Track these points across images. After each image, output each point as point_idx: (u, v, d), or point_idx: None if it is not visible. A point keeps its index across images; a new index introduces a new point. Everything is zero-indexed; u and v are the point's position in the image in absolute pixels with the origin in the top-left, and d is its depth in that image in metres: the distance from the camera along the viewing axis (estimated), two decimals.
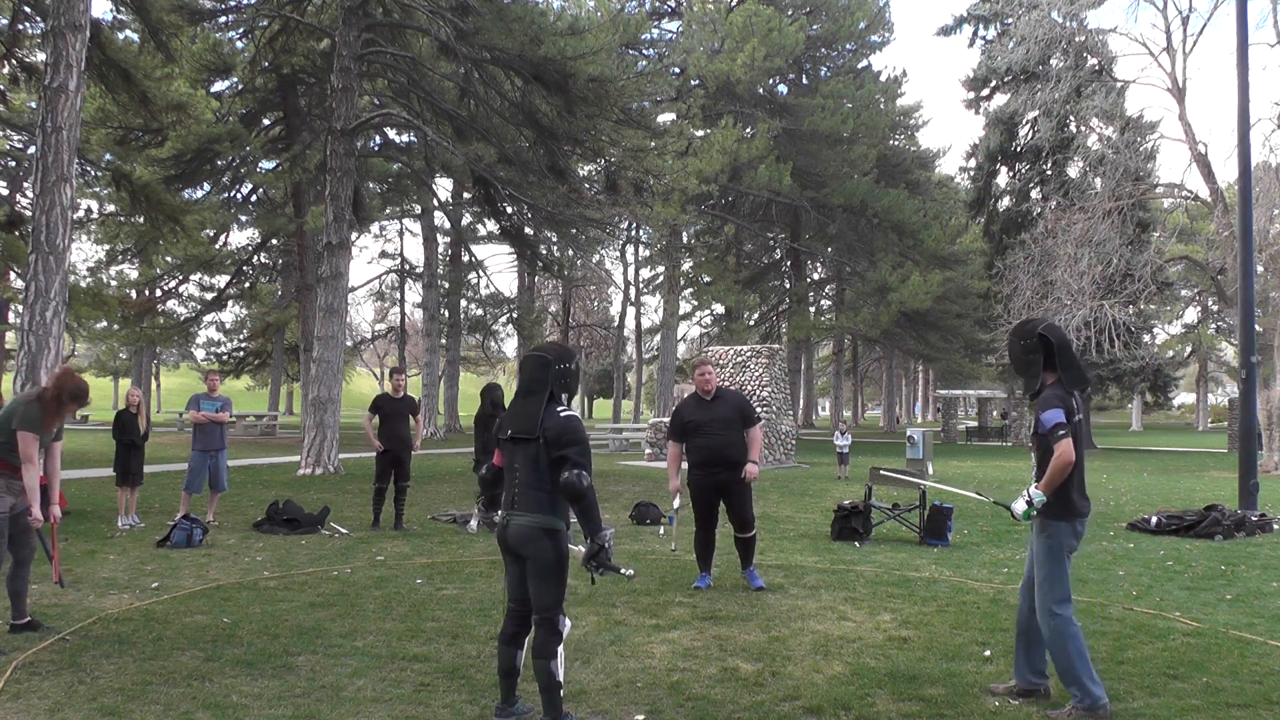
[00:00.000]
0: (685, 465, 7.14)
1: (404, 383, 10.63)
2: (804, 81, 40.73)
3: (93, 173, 22.17)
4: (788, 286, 44.86)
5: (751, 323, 46.05)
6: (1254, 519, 10.77)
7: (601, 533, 3.84)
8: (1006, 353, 4.94)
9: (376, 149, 26.82)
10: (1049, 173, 33.38)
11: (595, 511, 3.85)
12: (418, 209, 35.54)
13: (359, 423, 52.77)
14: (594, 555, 3.84)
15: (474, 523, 10.33)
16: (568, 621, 3.96)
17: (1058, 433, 4.31)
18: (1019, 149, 35.74)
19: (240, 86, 24.69)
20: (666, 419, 25.27)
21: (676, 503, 7.63)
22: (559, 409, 4.02)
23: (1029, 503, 4.41)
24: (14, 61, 15.87)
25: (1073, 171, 33.33)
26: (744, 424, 6.95)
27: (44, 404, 5.37)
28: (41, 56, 13.64)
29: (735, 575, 7.39)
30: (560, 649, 3.89)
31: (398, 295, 48.03)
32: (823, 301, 51.93)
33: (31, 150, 20.41)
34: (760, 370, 20.94)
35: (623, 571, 4.01)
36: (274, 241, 33.07)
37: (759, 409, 20.54)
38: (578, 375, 4.17)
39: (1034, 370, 4.52)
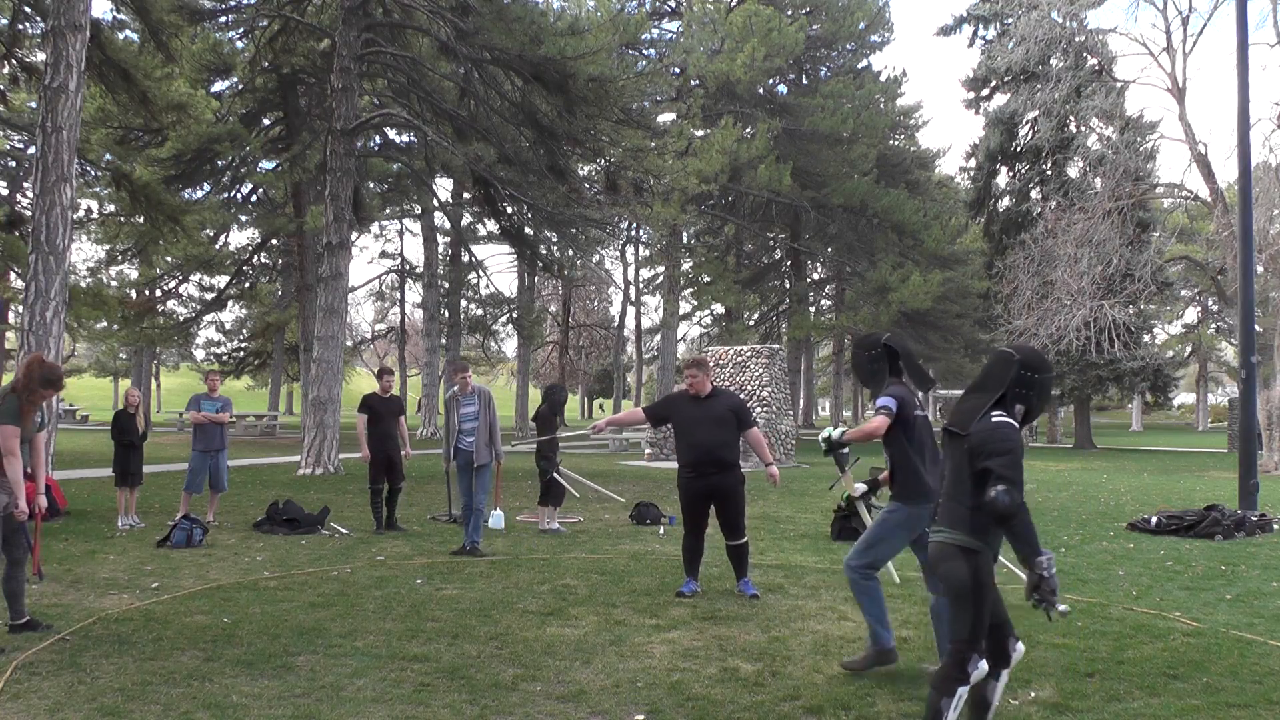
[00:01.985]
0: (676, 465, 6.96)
1: (392, 384, 10.62)
2: (804, 81, 40.73)
3: (93, 173, 22.15)
4: (788, 286, 44.86)
5: (751, 323, 46.05)
6: (1254, 519, 10.77)
7: (1039, 558, 3.36)
8: (851, 364, 5.38)
9: (376, 149, 26.81)
10: (1049, 173, 33.36)
11: (1031, 534, 3.36)
12: (418, 209, 35.52)
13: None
14: (1035, 586, 3.38)
15: (555, 523, 10.40)
16: (982, 664, 3.53)
17: (879, 409, 4.76)
18: (1019, 149, 35.73)
19: (240, 86, 24.66)
20: None
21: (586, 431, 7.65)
22: (995, 414, 3.54)
23: (828, 438, 5.12)
24: (14, 61, 15.86)
25: (1073, 171, 33.31)
26: (739, 426, 6.71)
27: (18, 394, 5.36)
28: (41, 56, 13.63)
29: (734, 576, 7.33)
30: (961, 690, 3.51)
31: (398, 295, 48.07)
32: (823, 301, 51.93)
33: (31, 150, 20.40)
34: (760, 370, 20.94)
35: (1059, 609, 3.46)
36: (274, 241, 33.05)
37: (759, 409, 20.55)
38: (1047, 390, 3.66)
39: (879, 378, 4.94)
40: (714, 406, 6.72)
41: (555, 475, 10.28)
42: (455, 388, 8.92)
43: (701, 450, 6.62)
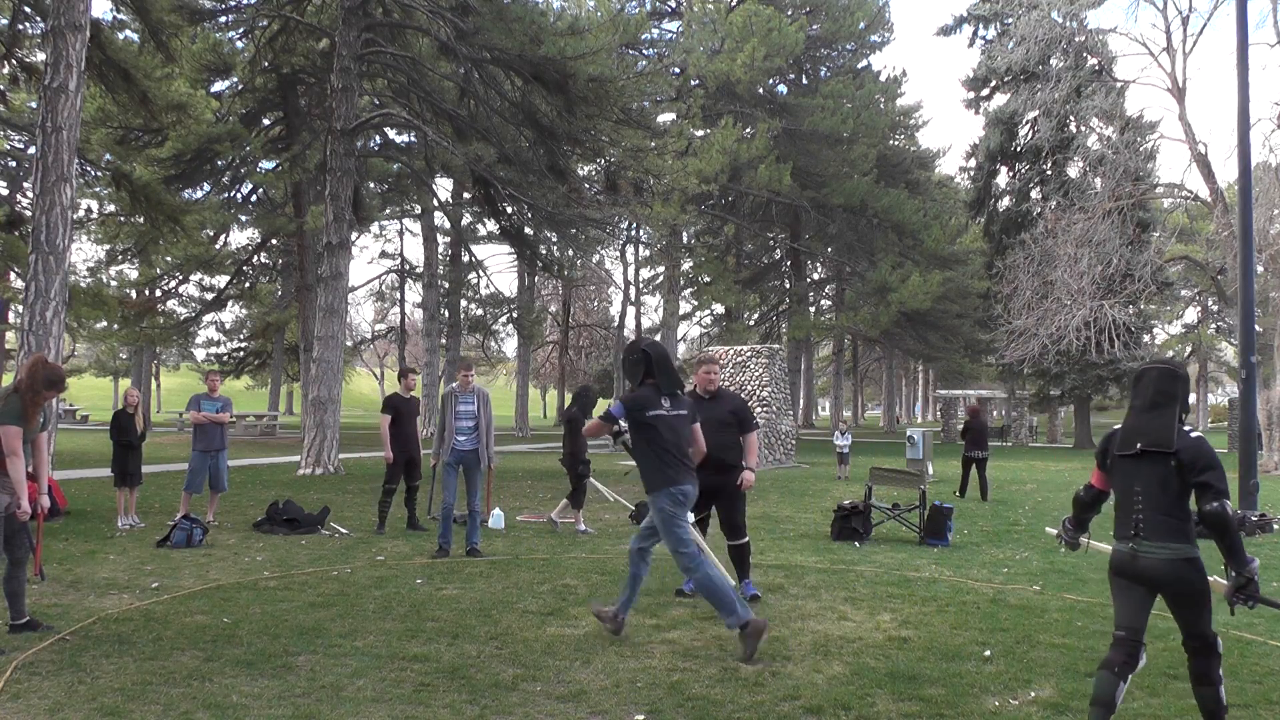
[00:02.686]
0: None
1: (414, 384, 10.67)
2: (804, 81, 40.76)
3: (93, 173, 22.16)
4: (788, 286, 44.87)
5: (751, 323, 46.06)
6: (1254, 519, 10.77)
7: (1249, 564, 3.67)
8: (621, 364, 6.28)
9: (376, 149, 26.82)
10: (1049, 173, 33.38)
11: (1240, 541, 3.71)
12: (418, 209, 35.54)
13: (359, 423, 52.65)
14: (1242, 588, 3.69)
15: (570, 522, 10.41)
16: (1220, 640, 3.93)
17: (602, 415, 5.72)
18: (1019, 149, 35.75)
19: (240, 86, 24.68)
20: None
21: None
22: (1186, 428, 3.84)
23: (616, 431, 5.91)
24: (14, 61, 15.85)
25: (1073, 171, 33.32)
26: (740, 428, 6.69)
27: (21, 395, 5.35)
28: (41, 56, 13.64)
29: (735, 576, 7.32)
30: (1220, 672, 3.87)
31: (398, 295, 48.05)
32: (823, 301, 51.95)
33: (31, 150, 20.39)
34: (760, 370, 20.93)
35: None
36: (274, 241, 33.08)
37: (759, 409, 20.55)
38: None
39: (637, 377, 5.76)
40: (717, 408, 6.70)
41: (583, 480, 10.35)
42: (454, 384, 8.90)
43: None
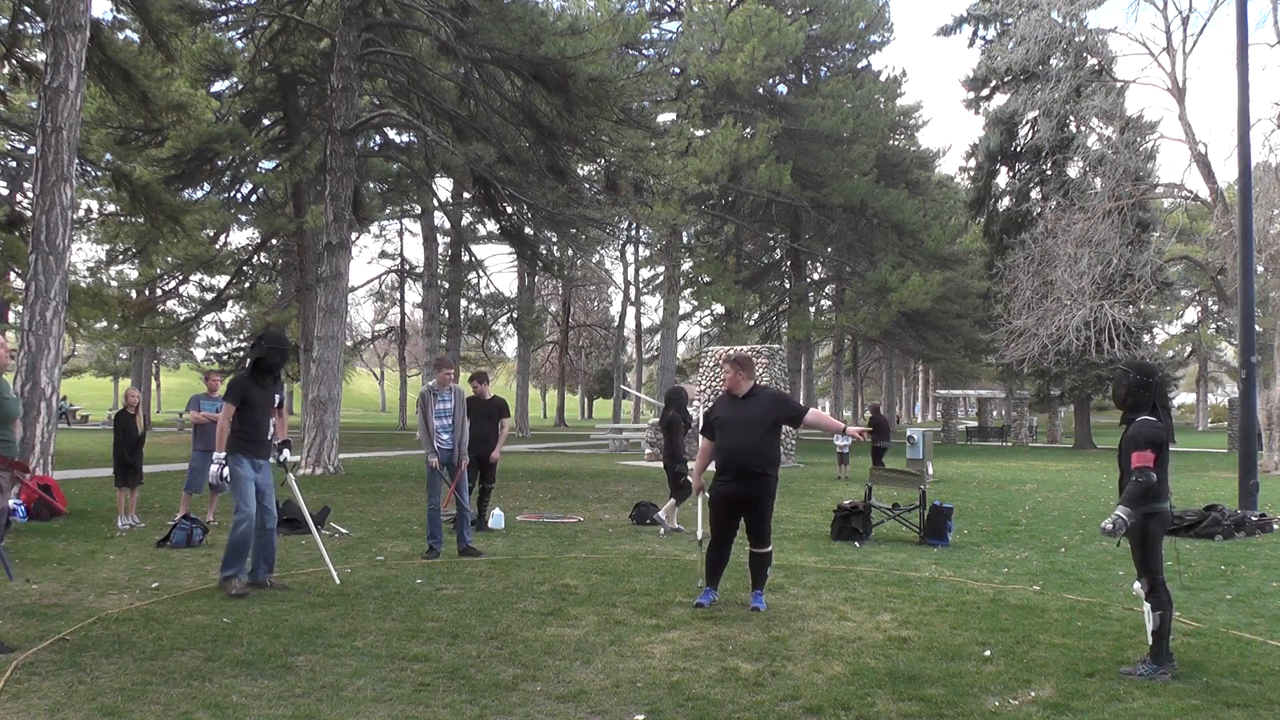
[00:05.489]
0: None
1: (486, 390, 10.58)
2: (804, 81, 40.76)
3: (93, 173, 22.16)
4: (788, 286, 44.88)
5: (751, 323, 46.06)
6: (1254, 519, 10.77)
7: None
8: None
9: (376, 149, 26.82)
10: (1049, 173, 33.39)
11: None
12: (418, 209, 35.57)
13: (359, 423, 52.53)
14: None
15: (671, 523, 10.48)
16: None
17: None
18: (1019, 149, 35.77)
19: (240, 86, 24.68)
20: None
21: (700, 508, 7.56)
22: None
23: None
24: (14, 61, 15.86)
25: (1073, 171, 33.34)
26: (786, 420, 6.32)
27: None
28: (41, 56, 13.64)
29: (736, 576, 7.25)
30: None
31: (398, 295, 48.11)
32: (823, 301, 51.96)
33: (31, 150, 20.39)
34: (760, 370, 20.95)
35: None
36: (274, 241, 33.09)
37: None
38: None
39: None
40: (750, 408, 6.29)
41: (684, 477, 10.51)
42: (433, 382, 8.83)
43: (729, 455, 6.26)
